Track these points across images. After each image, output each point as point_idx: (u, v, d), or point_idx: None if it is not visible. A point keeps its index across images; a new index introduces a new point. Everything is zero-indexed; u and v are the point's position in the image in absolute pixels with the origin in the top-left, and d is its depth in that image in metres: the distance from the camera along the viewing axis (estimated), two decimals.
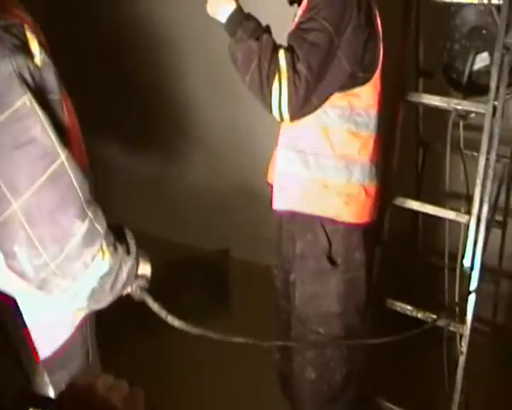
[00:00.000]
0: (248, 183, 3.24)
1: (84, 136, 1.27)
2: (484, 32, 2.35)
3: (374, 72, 1.81)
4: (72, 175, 1.09)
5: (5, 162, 1.05)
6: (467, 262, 2.12)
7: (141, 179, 3.66)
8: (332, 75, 1.70)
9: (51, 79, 1.12)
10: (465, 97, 2.38)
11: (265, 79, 1.63)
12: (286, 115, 1.68)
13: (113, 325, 1.93)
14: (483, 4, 2.26)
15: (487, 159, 2.12)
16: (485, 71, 2.31)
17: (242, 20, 1.69)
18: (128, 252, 1.19)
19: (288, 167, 1.85)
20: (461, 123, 2.42)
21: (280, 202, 1.89)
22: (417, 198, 2.70)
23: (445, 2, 2.34)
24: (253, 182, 3.10)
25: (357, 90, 1.79)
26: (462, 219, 2.15)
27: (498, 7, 2.20)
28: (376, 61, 1.82)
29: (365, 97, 1.81)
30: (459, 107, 2.22)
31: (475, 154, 2.29)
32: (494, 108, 2.15)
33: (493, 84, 2.15)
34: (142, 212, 3.46)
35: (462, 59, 2.39)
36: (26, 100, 1.05)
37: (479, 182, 2.13)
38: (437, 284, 2.64)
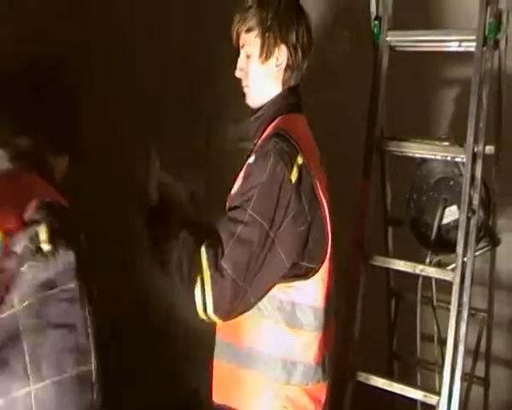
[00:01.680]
0: None
1: None
2: (451, 183, 2.22)
3: (321, 262, 1.57)
4: (94, 378, 1.07)
5: (39, 337, 1.04)
6: None
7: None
8: (269, 270, 1.49)
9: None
10: (435, 253, 2.23)
11: (187, 280, 1.45)
12: (214, 318, 1.49)
13: None
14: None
15: (456, 336, 1.94)
16: (455, 226, 2.16)
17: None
18: None
19: (221, 358, 1.66)
20: (433, 280, 2.26)
21: (217, 395, 1.70)
22: (390, 353, 2.54)
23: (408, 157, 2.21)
24: None
25: (301, 283, 1.55)
26: (431, 400, 1.96)
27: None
28: (324, 250, 1.57)
29: (311, 292, 1.56)
30: (424, 273, 2.05)
31: (449, 307, 2.12)
32: (463, 275, 1.99)
33: (460, 251, 1.99)
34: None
35: (430, 212, 2.25)
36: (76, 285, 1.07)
37: (448, 360, 1.95)
38: None
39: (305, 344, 1.59)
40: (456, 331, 1.98)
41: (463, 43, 2.07)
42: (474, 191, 2.01)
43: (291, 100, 1.66)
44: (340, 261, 1.70)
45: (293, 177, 1.48)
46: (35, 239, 1.06)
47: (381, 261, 2.15)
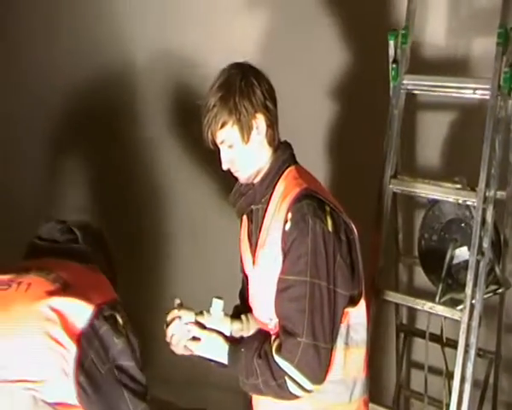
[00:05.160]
0: None
1: None
2: (462, 225, 2.26)
3: (361, 284, 1.65)
4: None
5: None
6: None
7: None
8: (338, 311, 1.58)
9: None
10: (444, 292, 2.27)
11: (278, 391, 1.55)
12: (318, 387, 1.55)
13: None
14: None
15: (463, 375, 1.97)
16: (465, 266, 2.20)
17: (235, 363, 1.61)
18: None
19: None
20: (442, 318, 2.29)
21: None
22: (397, 386, 2.57)
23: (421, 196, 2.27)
24: None
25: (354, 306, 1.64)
26: None
27: None
28: (361, 272, 1.65)
29: (360, 311, 1.65)
30: (432, 311, 2.10)
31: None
32: (471, 316, 2.03)
33: (469, 292, 2.04)
34: None
35: (440, 251, 2.29)
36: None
37: (454, 399, 1.98)
38: None
39: (360, 360, 1.67)
40: (463, 371, 2.01)
41: (478, 91, 2.14)
42: (484, 235, 2.06)
43: (290, 150, 1.70)
44: None
45: (330, 226, 1.56)
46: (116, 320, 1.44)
47: (391, 296, 2.20)
